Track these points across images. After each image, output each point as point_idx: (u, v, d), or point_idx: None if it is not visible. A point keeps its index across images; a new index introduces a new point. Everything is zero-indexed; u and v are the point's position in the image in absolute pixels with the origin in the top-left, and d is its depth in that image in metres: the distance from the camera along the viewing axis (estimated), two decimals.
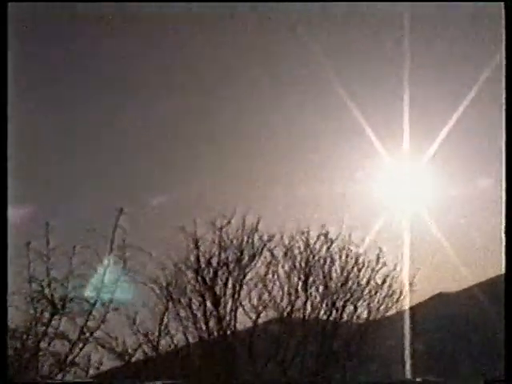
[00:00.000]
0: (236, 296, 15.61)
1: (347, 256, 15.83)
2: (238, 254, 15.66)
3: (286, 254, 15.80)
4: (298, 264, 15.80)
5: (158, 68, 19.71)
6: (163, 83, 19.95)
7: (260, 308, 15.65)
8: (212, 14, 17.37)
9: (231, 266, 15.62)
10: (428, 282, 18.77)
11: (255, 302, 15.62)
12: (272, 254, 15.74)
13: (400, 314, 16.77)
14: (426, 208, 18.28)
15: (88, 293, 14.08)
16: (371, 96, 19.16)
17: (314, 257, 15.81)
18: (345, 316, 15.84)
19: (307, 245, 15.82)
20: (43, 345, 13.82)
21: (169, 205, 19.14)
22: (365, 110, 17.66)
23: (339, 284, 15.82)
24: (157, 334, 15.39)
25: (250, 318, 15.71)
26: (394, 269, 15.78)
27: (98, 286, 14.15)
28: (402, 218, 17.55)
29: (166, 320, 15.48)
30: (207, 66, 19.77)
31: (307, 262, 15.80)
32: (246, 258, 15.67)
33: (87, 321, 14.01)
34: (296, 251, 15.81)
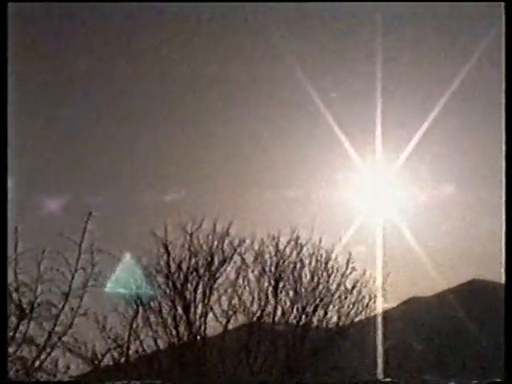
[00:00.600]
0: (206, 301, 15.57)
1: (317, 261, 15.79)
2: (209, 258, 15.59)
3: (256, 258, 15.75)
4: (268, 269, 15.76)
5: None
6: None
7: (230, 313, 15.62)
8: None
9: (201, 270, 15.54)
10: (401, 287, 18.89)
11: (225, 307, 15.64)
12: (242, 259, 15.72)
13: (371, 318, 16.77)
14: (398, 213, 18.41)
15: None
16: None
17: (284, 262, 15.78)
18: (315, 321, 15.77)
19: (277, 250, 15.76)
20: (10, 350, 13.69)
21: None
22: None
23: (309, 289, 15.76)
24: (126, 338, 15.32)
25: (220, 323, 15.66)
26: (364, 274, 15.76)
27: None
28: (374, 223, 17.65)
29: (135, 325, 15.41)
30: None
31: (277, 266, 15.76)
32: (217, 262, 15.63)
33: (55, 325, 13.91)
34: (266, 256, 15.79)
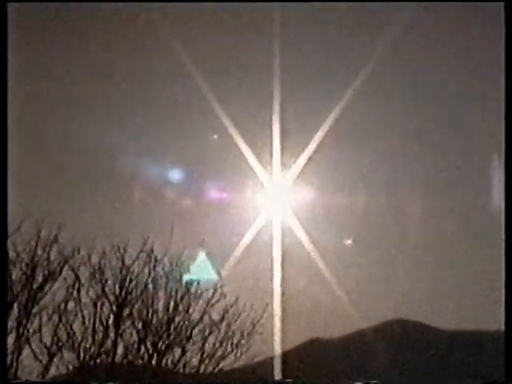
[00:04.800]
0: (22, 331, 12.46)
1: (176, 282, 12.91)
2: (28, 272, 12.60)
3: (93, 275, 12.72)
4: (109, 290, 12.86)
5: None
6: None
7: (54, 348, 12.53)
8: None
9: (17, 288, 12.53)
10: (301, 324, 15.91)
11: (48, 340, 12.58)
12: (75, 275, 12.77)
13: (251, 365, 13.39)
14: (300, 226, 15.40)
15: None
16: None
17: (131, 281, 12.87)
18: (169, 362, 12.62)
19: (123, 265, 12.88)
20: None
21: None
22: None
23: (164, 319, 12.80)
24: None
25: (40, 362, 12.44)
26: (236, 302, 12.49)
27: None
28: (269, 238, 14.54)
29: None
30: None
31: (122, 287, 12.83)
32: (40, 278, 12.68)
33: None
34: (108, 273, 12.86)
